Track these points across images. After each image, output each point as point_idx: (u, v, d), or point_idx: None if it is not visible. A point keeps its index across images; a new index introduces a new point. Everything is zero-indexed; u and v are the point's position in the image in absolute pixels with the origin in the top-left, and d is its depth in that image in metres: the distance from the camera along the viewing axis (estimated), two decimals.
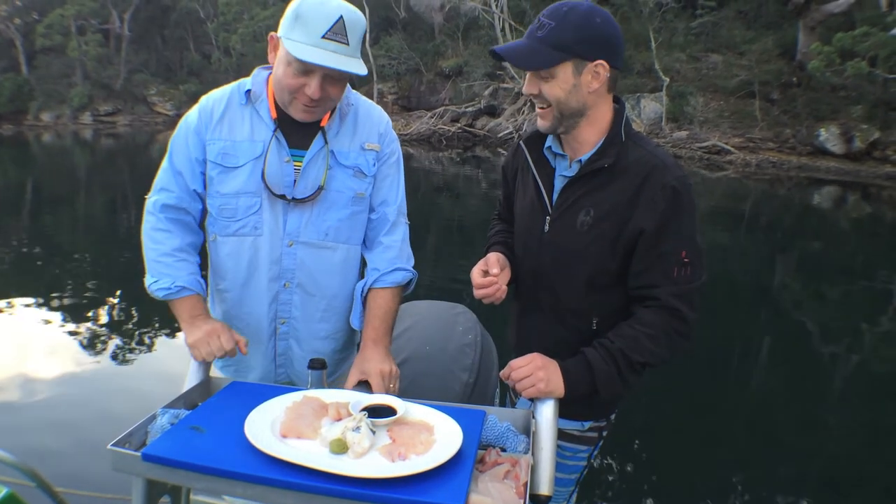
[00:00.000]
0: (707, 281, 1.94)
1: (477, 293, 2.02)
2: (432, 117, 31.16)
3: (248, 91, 2.08)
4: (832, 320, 8.24)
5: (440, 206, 15.82)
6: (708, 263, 1.95)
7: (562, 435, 2.22)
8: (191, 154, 2.08)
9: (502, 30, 30.48)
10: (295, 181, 2.08)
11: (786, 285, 9.92)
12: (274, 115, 2.06)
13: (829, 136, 22.70)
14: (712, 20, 28.66)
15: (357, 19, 1.90)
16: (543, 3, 29.10)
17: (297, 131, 2.07)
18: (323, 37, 1.84)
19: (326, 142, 2.11)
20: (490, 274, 2.00)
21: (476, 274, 2.04)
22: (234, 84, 2.14)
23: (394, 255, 2.24)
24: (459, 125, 30.77)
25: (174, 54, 48.06)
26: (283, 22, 1.90)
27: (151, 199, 2.13)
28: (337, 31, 1.85)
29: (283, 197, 2.07)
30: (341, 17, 1.86)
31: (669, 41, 28.21)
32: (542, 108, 1.94)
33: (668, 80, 25.73)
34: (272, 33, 1.97)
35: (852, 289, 9.67)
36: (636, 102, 25.86)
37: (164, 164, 2.12)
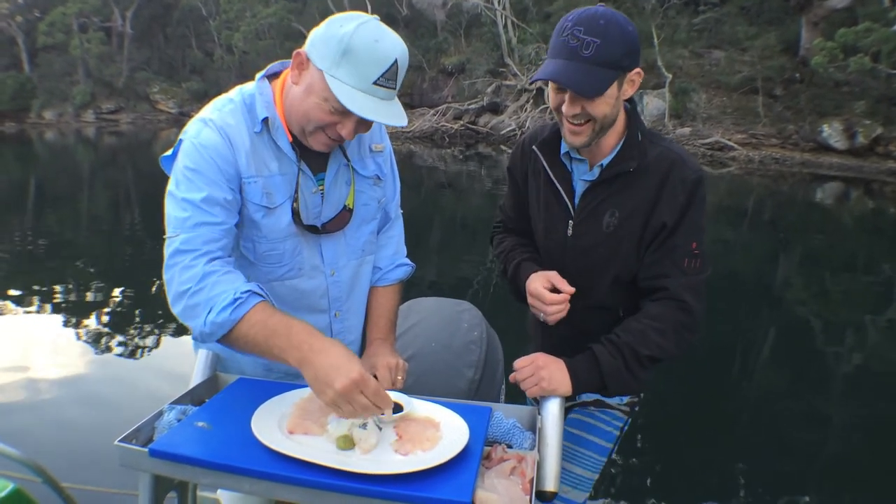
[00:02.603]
0: (710, 274, 1.96)
1: (549, 309, 1.94)
2: (435, 115, 31.13)
3: (265, 119, 1.82)
4: (835, 316, 8.24)
5: (443, 204, 15.82)
6: (711, 260, 1.98)
7: (600, 404, 2.28)
8: (228, 186, 1.76)
9: (504, 26, 30.45)
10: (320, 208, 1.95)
11: (789, 281, 9.91)
12: (290, 139, 1.84)
13: (832, 131, 22.66)
14: (715, 16, 28.66)
15: (406, 58, 1.72)
16: (546, 1, 29.14)
17: (310, 152, 1.86)
18: (375, 82, 1.65)
19: (347, 158, 1.98)
20: (563, 291, 1.95)
21: (544, 291, 1.95)
22: (237, 99, 1.84)
23: (393, 250, 2.24)
24: (462, 122, 30.75)
25: (176, 52, 48.10)
26: (324, 50, 1.66)
27: (179, 238, 1.69)
28: (389, 77, 1.66)
29: (313, 228, 1.92)
30: (396, 61, 1.66)
31: (672, 37, 28.18)
32: (578, 124, 1.87)
33: (670, 76, 25.71)
34: (299, 50, 1.72)
35: (855, 284, 9.67)
36: (639, 99, 25.77)
37: (188, 196, 1.71)
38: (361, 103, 1.64)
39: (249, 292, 1.62)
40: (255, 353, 1.63)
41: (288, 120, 1.83)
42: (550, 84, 1.87)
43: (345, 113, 1.69)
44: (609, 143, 1.98)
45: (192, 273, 1.65)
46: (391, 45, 1.67)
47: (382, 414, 1.48)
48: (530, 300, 1.98)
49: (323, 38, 1.67)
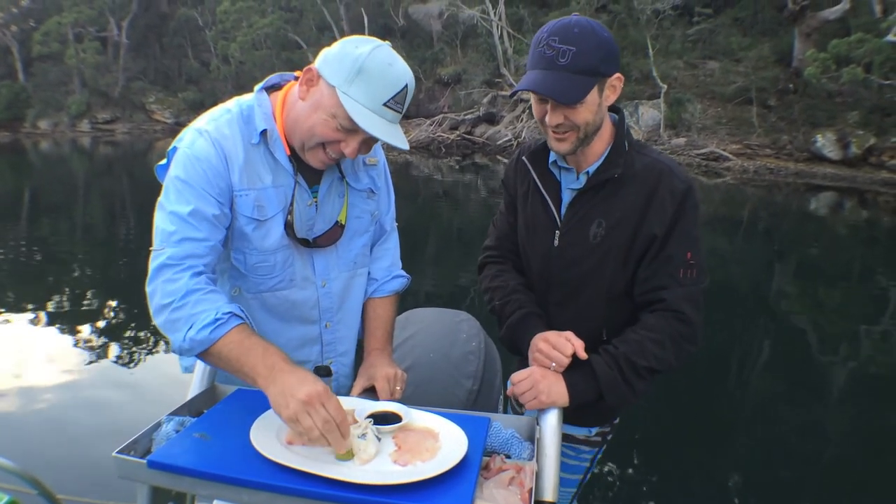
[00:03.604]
0: (708, 285, 1.96)
1: (565, 361, 1.87)
2: (431, 125, 31.17)
3: (264, 131, 1.84)
4: (830, 325, 8.24)
5: (440, 214, 15.83)
6: (706, 270, 1.97)
7: (568, 439, 2.26)
8: (217, 201, 1.77)
9: (500, 37, 30.54)
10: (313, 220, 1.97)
11: (784, 291, 9.92)
12: (288, 152, 1.87)
13: (825, 142, 22.72)
14: (709, 27, 28.77)
15: (413, 86, 1.78)
16: (541, 11, 29.31)
17: (305, 165, 1.88)
18: (385, 103, 1.69)
19: (343, 174, 2.01)
20: (579, 356, 1.86)
21: (567, 343, 1.87)
22: (234, 110, 1.86)
23: (389, 262, 2.26)
24: (458, 133, 30.76)
25: (172, 62, 48.09)
26: (338, 67, 1.69)
27: (165, 253, 1.70)
28: (399, 100, 1.72)
29: (304, 242, 1.94)
30: (406, 85, 1.72)
31: (667, 48, 28.29)
32: (562, 133, 1.88)
33: (665, 87, 25.78)
34: (311, 66, 1.75)
35: (850, 294, 9.68)
36: (634, 109, 25.86)
37: (176, 209, 1.73)
38: (371, 121, 1.68)
39: (230, 314, 1.64)
40: (227, 371, 1.64)
41: (289, 134, 1.84)
42: (532, 96, 1.88)
43: (350, 131, 1.72)
44: (595, 151, 1.98)
45: (175, 287, 1.66)
46: (403, 70, 1.72)
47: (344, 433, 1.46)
48: (544, 346, 1.90)
49: (337, 56, 1.71)
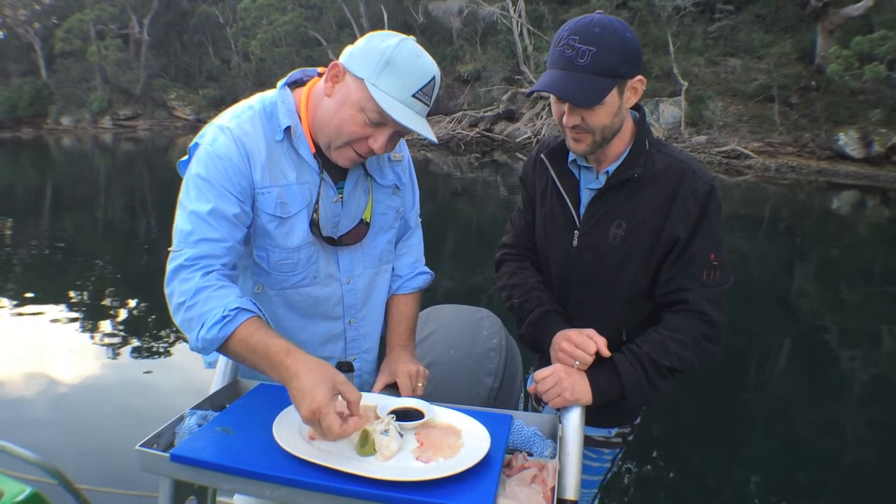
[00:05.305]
0: (732, 285, 1.94)
1: (589, 360, 1.85)
2: (451, 122, 31.16)
3: (288, 128, 1.81)
4: (852, 325, 8.17)
5: (459, 211, 15.83)
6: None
7: (588, 441, 2.22)
8: (238, 199, 1.76)
9: (520, 34, 30.47)
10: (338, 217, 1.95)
11: (805, 290, 9.85)
12: (313, 150, 1.85)
13: (848, 140, 22.49)
14: (730, 24, 28.55)
15: (439, 79, 1.77)
16: (562, 8, 29.15)
17: (330, 162, 1.86)
18: (413, 95, 1.69)
19: (368, 173, 2.00)
20: (602, 354, 1.84)
21: (591, 342, 1.85)
22: (257, 107, 1.84)
23: (413, 259, 2.25)
24: (478, 130, 30.75)
25: (193, 59, 48.38)
26: (365, 61, 1.69)
27: (183, 254, 1.69)
28: (427, 92, 1.72)
29: (330, 240, 1.92)
30: (434, 77, 1.73)
31: (688, 45, 28.11)
32: (579, 133, 1.86)
33: (686, 84, 25.63)
34: (336, 62, 1.75)
35: (872, 293, 9.60)
36: (655, 107, 25.72)
37: (195, 207, 1.72)
38: (401, 112, 1.67)
39: (238, 309, 1.60)
40: (246, 366, 1.63)
41: (316, 132, 1.83)
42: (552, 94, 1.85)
43: (379, 124, 1.71)
44: (615, 151, 1.96)
45: (188, 286, 1.65)
46: (430, 62, 1.73)
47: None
48: (566, 345, 1.88)
49: (363, 50, 1.70)
